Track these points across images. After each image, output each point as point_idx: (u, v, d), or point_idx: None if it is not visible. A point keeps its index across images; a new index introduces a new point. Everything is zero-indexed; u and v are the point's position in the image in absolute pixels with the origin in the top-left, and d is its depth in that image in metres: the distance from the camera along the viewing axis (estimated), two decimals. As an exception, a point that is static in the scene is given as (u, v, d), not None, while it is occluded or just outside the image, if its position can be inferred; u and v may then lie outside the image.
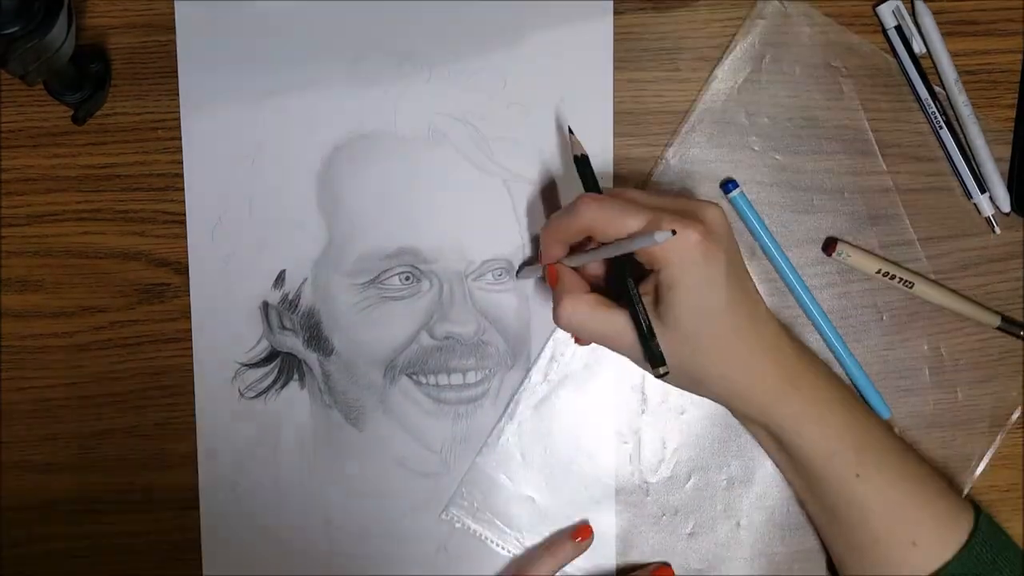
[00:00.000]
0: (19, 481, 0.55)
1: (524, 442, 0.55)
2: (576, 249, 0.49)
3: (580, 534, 0.55)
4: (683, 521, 0.56)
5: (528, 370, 0.55)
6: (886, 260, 0.55)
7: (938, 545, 0.49)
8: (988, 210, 0.55)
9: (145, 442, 0.55)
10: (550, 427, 0.55)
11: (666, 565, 0.55)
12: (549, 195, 0.54)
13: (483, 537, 0.55)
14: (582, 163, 0.51)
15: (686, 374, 0.48)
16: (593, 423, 0.55)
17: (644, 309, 0.46)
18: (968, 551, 0.49)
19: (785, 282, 0.55)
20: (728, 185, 0.54)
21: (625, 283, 0.47)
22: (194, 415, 0.55)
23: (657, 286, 0.46)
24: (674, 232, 0.42)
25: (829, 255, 0.55)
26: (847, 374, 0.55)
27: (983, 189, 0.55)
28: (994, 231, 0.55)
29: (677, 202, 0.47)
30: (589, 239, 0.48)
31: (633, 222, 0.45)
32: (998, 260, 0.56)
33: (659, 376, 0.46)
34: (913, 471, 0.50)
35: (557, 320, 0.48)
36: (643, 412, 0.56)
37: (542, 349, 0.55)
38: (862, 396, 0.55)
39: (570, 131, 0.53)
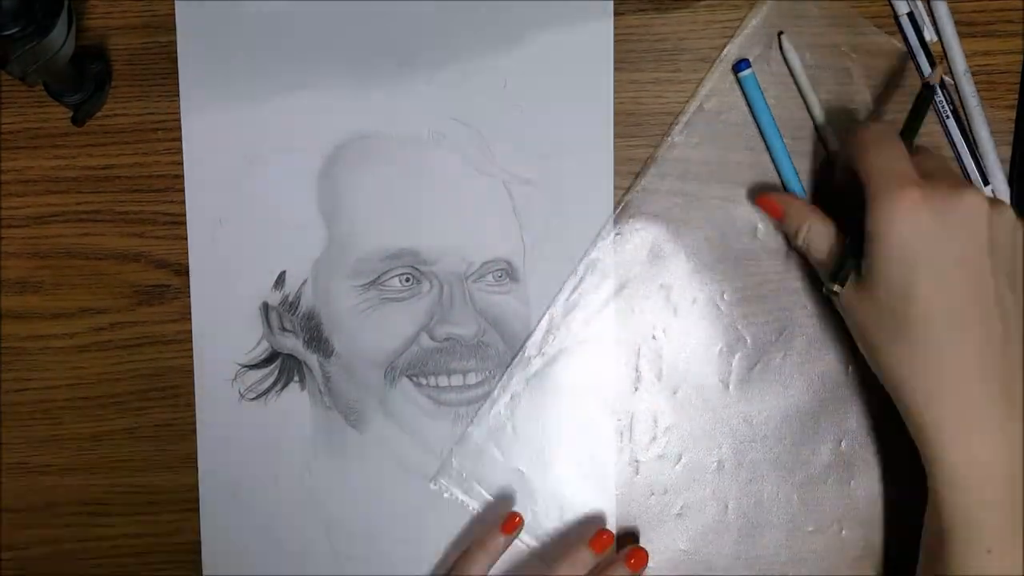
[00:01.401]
0: (19, 482, 0.55)
1: (516, 415, 0.55)
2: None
3: (599, 541, 0.54)
4: (672, 501, 0.56)
5: (523, 342, 0.55)
6: None
7: None
8: None
9: (145, 443, 0.55)
10: (543, 401, 0.55)
11: (640, 548, 0.55)
12: (550, 197, 0.54)
13: (471, 508, 0.55)
14: (925, 95, 0.51)
15: (870, 337, 0.47)
16: (586, 398, 0.55)
17: (859, 230, 0.47)
18: None
19: (778, 170, 0.55)
20: (741, 64, 0.54)
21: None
22: (194, 417, 0.55)
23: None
24: None
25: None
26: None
27: (986, 182, 0.55)
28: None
29: (951, 176, 0.48)
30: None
31: (868, 158, 0.46)
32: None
33: (832, 292, 0.46)
34: None
35: (796, 238, 0.51)
36: (636, 389, 0.55)
37: (538, 322, 0.55)
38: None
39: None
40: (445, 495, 0.55)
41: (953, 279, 0.44)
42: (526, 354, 0.55)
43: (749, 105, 0.54)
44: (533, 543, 0.56)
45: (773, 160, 0.54)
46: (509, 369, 0.55)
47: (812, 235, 0.50)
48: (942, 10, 0.54)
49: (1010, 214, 0.46)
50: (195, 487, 0.55)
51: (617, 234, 0.55)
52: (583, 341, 0.55)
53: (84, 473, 0.55)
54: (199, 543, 0.55)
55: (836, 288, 0.47)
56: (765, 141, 0.54)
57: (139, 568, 0.55)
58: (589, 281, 0.55)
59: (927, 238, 0.44)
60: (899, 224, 0.44)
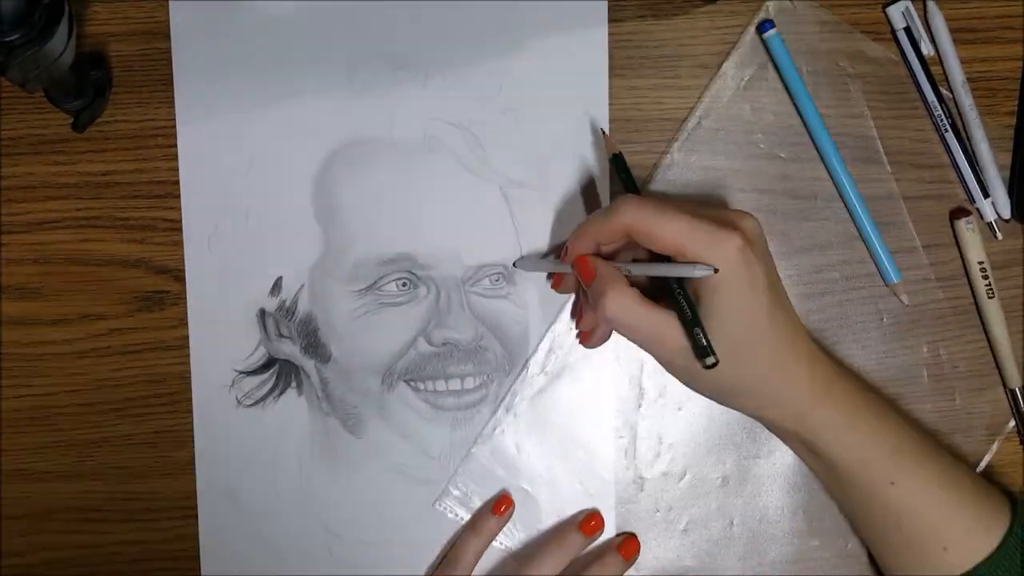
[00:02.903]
0: (18, 489, 0.55)
1: (520, 434, 0.55)
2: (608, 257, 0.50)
3: (589, 523, 0.54)
4: (677, 518, 0.56)
5: (526, 360, 0.55)
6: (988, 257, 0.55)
7: (968, 549, 0.49)
8: (990, 215, 0.55)
9: (144, 449, 0.55)
10: (546, 419, 0.55)
11: (632, 536, 0.55)
12: (546, 200, 0.54)
13: None
14: (618, 162, 0.51)
15: (718, 380, 0.47)
16: (590, 416, 0.55)
17: (689, 298, 0.46)
18: (999, 554, 0.48)
19: (807, 126, 0.55)
20: (764, 25, 0.54)
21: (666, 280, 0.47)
22: (192, 423, 0.54)
23: (697, 290, 0.46)
24: (716, 271, 0.44)
25: (952, 220, 0.55)
26: (860, 230, 0.55)
27: (986, 194, 0.55)
28: (996, 237, 0.55)
29: (714, 211, 0.47)
30: (619, 249, 0.49)
31: (672, 226, 0.46)
32: (999, 268, 0.56)
33: (708, 367, 0.45)
34: (948, 475, 0.50)
35: (603, 312, 0.47)
36: (640, 407, 0.55)
37: (540, 340, 0.55)
38: (873, 259, 0.55)
39: (603, 132, 0.53)
40: (450, 516, 0.55)
41: (774, 302, 0.47)
42: (529, 372, 0.55)
43: (776, 67, 0.54)
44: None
45: (805, 124, 0.55)
46: (512, 387, 0.55)
47: (619, 308, 0.47)
48: (938, 22, 0.54)
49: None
50: (194, 493, 0.55)
51: None
52: (586, 358, 0.55)
53: (83, 479, 0.55)
54: (197, 550, 0.55)
55: (711, 360, 0.46)
56: (796, 105, 0.55)
57: (138, 574, 0.55)
58: (590, 298, 0.55)
59: (758, 269, 0.46)
60: (734, 271, 0.45)
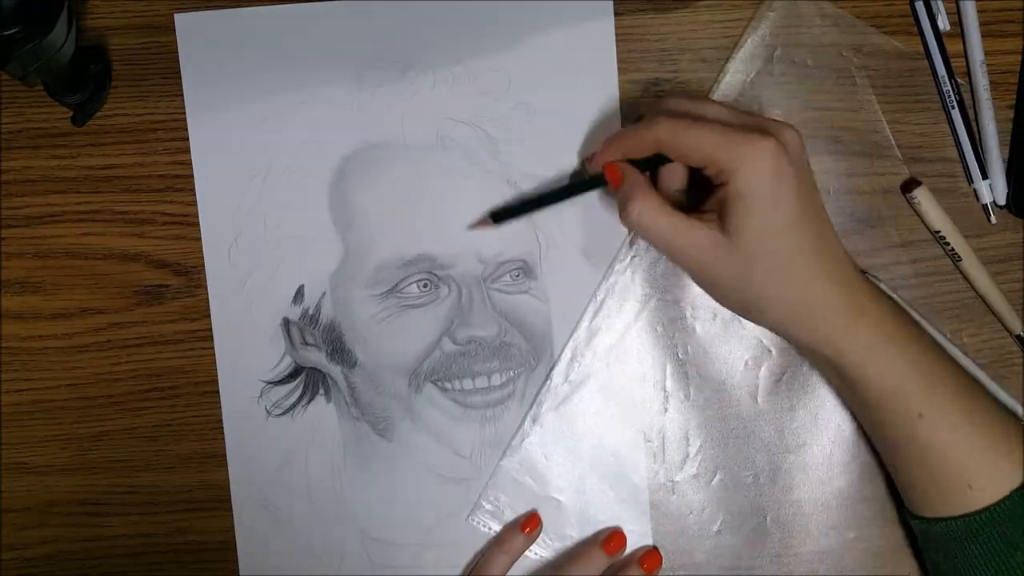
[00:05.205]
0: (18, 483, 0.55)
1: (547, 444, 0.55)
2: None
3: (612, 542, 0.54)
4: (710, 519, 0.56)
5: (550, 371, 0.55)
6: (952, 225, 0.54)
7: (992, 488, 0.48)
8: (987, 197, 0.55)
9: (144, 443, 0.55)
10: (573, 428, 0.55)
11: (654, 549, 0.55)
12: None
13: None
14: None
15: (744, 294, 0.47)
16: (616, 423, 0.55)
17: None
18: (1021, 492, 0.48)
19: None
20: None
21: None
22: (192, 417, 0.55)
23: (725, 198, 0.46)
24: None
25: (904, 194, 0.55)
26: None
27: (985, 175, 0.55)
28: (990, 220, 0.55)
29: (752, 119, 0.47)
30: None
31: (703, 135, 0.45)
32: (998, 261, 0.56)
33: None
34: (977, 413, 0.49)
35: (628, 216, 0.47)
36: (666, 410, 0.55)
37: (562, 350, 0.55)
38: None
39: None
40: (483, 529, 0.55)
41: (802, 214, 0.46)
42: (553, 382, 0.55)
43: None
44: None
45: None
46: (537, 398, 0.55)
47: (645, 213, 0.47)
48: None
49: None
50: (193, 488, 0.55)
51: (633, 256, 0.55)
52: (609, 365, 0.55)
53: (84, 473, 0.55)
54: (198, 543, 0.55)
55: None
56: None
57: (138, 568, 0.55)
58: (609, 305, 0.55)
59: (790, 177, 0.45)
60: (761, 177, 0.44)
